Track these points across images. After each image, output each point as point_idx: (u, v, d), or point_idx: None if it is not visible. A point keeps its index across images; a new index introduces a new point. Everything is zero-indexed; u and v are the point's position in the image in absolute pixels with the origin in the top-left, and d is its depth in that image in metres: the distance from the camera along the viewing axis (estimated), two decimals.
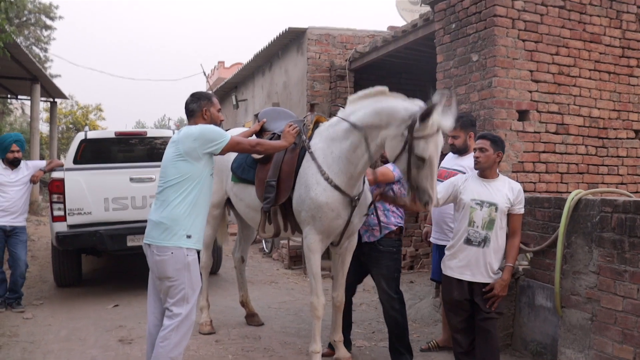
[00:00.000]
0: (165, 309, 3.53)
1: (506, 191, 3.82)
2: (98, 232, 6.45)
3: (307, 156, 4.16)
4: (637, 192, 6.13)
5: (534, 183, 5.47)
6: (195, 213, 3.51)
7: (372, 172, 4.31)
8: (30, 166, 6.48)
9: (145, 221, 3.71)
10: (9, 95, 18.91)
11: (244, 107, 14.65)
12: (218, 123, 3.72)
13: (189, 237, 3.48)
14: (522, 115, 5.39)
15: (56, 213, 6.47)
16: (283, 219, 4.35)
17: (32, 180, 6.40)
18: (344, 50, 9.35)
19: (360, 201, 4.15)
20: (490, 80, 5.26)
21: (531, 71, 5.43)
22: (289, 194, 4.20)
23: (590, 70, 5.78)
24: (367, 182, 4.26)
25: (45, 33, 26.35)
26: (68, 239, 6.46)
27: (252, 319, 5.68)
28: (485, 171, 3.89)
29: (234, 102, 14.82)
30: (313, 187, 4.04)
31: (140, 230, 5.72)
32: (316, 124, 4.34)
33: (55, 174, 6.56)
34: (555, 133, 5.60)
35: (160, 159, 3.83)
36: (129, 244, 6.55)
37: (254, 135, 4.68)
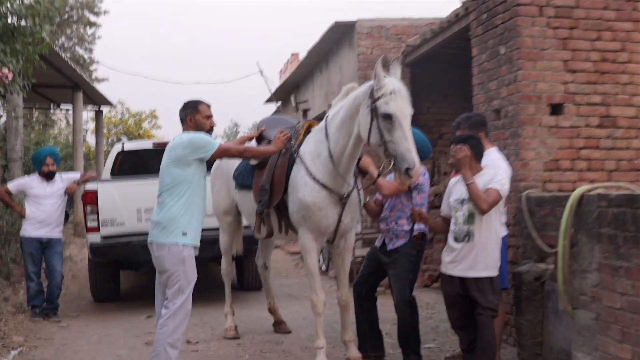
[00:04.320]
0: (165, 299, 4.98)
1: (484, 183, 4.92)
2: (131, 243, 8.08)
3: (297, 160, 5.54)
4: None
5: (573, 182, 6.36)
6: (190, 212, 4.99)
7: (383, 186, 5.56)
8: (65, 179, 8.24)
9: None
10: (51, 105, 21.51)
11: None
12: (206, 129, 5.16)
13: (184, 234, 4.96)
14: (555, 109, 6.35)
15: (90, 224, 8.18)
16: (278, 220, 5.73)
17: (67, 192, 8.14)
18: (398, 42, 10.58)
19: (350, 199, 5.45)
20: (515, 74, 6.32)
21: (565, 61, 6.38)
22: (280, 197, 5.59)
23: None
24: (359, 182, 5.56)
25: (90, 31, 29.24)
26: (102, 250, 8.15)
27: (279, 326, 7.08)
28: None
29: (293, 104, 16.35)
30: (301, 189, 5.42)
31: None
32: (309, 129, 5.72)
33: (89, 186, 8.29)
34: (599, 127, 6.48)
35: None
36: None
37: (253, 141, 6.11)
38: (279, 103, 20.43)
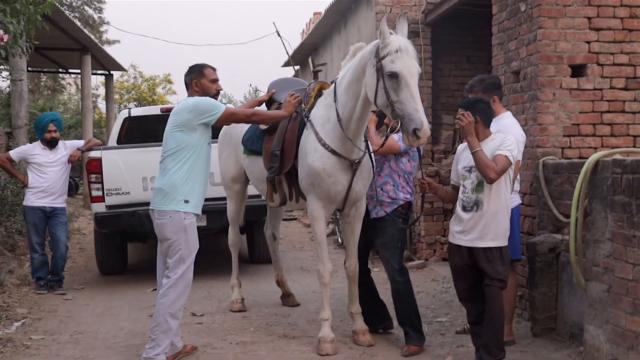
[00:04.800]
0: (166, 268, 5.22)
1: (492, 149, 5.04)
2: (136, 213, 8.34)
3: (308, 124, 5.71)
4: None
5: (595, 148, 6.43)
6: (193, 180, 5.20)
7: (373, 140, 5.74)
8: (68, 146, 8.51)
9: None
10: (60, 70, 21.80)
11: (324, 73, 16.18)
12: (212, 93, 5.36)
13: (186, 202, 5.19)
14: (577, 70, 6.40)
15: (94, 193, 8.46)
16: (288, 187, 5.93)
17: (70, 160, 8.40)
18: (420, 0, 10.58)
19: (362, 165, 5.61)
20: (535, 32, 6.38)
21: (589, 18, 6.40)
22: (292, 163, 5.78)
23: None
24: (370, 147, 5.70)
25: None
26: (107, 220, 8.44)
27: (287, 299, 7.35)
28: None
29: (312, 68, 16.41)
30: (310, 154, 5.59)
31: None
32: (320, 92, 5.88)
33: (93, 154, 8.54)
34: (625, 89, 6.50)
35: None
36: None
37: (263, 105, 6.28)
38: (298, 67, 20.48)
